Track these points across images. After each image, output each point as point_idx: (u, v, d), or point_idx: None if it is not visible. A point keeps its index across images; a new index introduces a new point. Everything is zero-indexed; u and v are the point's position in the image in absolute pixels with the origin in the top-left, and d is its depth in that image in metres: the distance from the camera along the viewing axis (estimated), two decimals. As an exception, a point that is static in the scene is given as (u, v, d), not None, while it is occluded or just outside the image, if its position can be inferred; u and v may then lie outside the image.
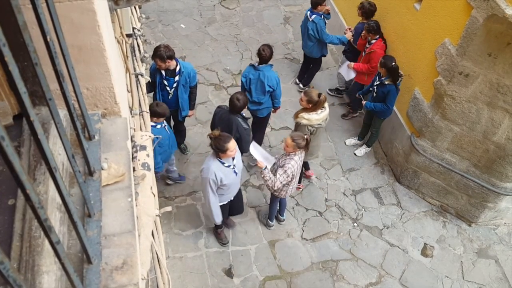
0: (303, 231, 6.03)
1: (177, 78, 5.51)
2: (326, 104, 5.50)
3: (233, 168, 4.68)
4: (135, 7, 3.95)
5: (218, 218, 5.02)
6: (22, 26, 0.82)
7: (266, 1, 9.52)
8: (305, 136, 4.96)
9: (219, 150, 4.41)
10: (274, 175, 5.00)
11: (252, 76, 5.95)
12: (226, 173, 4.60)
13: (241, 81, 6.10)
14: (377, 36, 6.45)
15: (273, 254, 5.76)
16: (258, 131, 6.52)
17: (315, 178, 6.62)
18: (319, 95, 5.36)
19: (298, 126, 5.57)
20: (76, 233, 1.17)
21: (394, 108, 6.62)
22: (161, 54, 5.19)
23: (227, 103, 7.37)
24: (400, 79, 5.93)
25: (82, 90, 1.57)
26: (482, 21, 4.66)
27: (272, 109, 6.32)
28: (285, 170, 4.95)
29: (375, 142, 6.99)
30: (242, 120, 5.36)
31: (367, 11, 6.59)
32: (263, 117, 6.31)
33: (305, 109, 5.47)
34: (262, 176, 5.00)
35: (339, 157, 6.93)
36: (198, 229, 5.91)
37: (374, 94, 6.22)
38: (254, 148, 5.22)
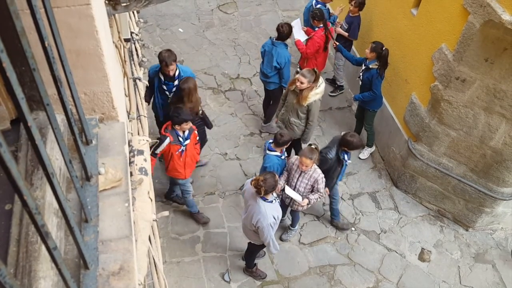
0: (301, 235, 6.03)
1: (176, 82, 5.51)
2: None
3: (277, 199, 4.65)
4: (133, 12, 3.96)
5: (277, 247, 4.90)
6: (20, 32, 0.83)
7: (264, 6, 9.55)
8: (313, 147, 4.97)
9: (272, 189, 4.37)
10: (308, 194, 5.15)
11: (267, 48, 6.31)
12: (277, 209, 4.59)
13: (261, 50, 6.52)
14: (321, 25, 6.63)
15: (271, 259, 5.75)
16: (269, 105, 6.96)
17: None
18: (314, 70, 5.58)
19: (311, 106, 5.66)
20: (73, 239, 1.16)
21: (391, 112, 6.64)
22: (164, 58, 5.22)
23: (225, 107, 7.42)
24: (386, 68, 6.05)
25: (79, 95, 1.57)
26: (478, 27, 4.68)
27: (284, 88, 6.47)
28: (322, 179, 5.03)
29: (374, 139, 6.99)
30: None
31: (362, 2, 6.76)
32: (271, 90, 6.67)
33: (308, 89, 5.55)
34: (309, 205, 5.18)
35: (336, 162, 6.93)
36: (195, 234, 5.90)
37: (360, 82, 6.31)
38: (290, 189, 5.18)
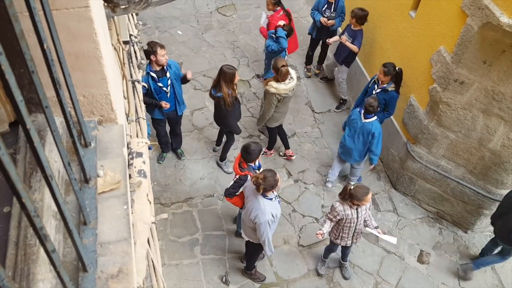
0: (300, 237, 6.02)
1: (168, 74, 5.54)
2: (294, 75, 5.83)
3: (277, 198, 4.63)
4: (132, 14, 3.96)
5: (272, 248, 4.88)
6: (19, 34, 0.82)
7: (263, 8, 9.51)
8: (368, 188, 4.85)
9: (271, 188, 4.35)
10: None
11: None
12: (276, 207, 4.57)
13: None
14: (277, 8, 7.02)
15: (270, 261, 5.74)
16: None
17: (311, 185, 6.62)
18: (283, 65, 5.64)
19: (266, 93, 5.87)
20: (71, 241, 1.16)
21: (390, 115, 6.65)
22: (153, 48, 5.27)
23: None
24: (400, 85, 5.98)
25: (78, 97, 1.57)
26: (477, 29, 4.69)
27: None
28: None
29: None
30: None
31: (361, 17, 6.70)
32: None
33: (275, 78, 5.73)
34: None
35: (335, 164, 6.93)
36: (194, 236, 5.89)
37: None
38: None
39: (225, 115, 5.80)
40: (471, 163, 5.76)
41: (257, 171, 4.95)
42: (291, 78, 5.78)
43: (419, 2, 5.73)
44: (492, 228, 6.29)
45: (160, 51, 5.28)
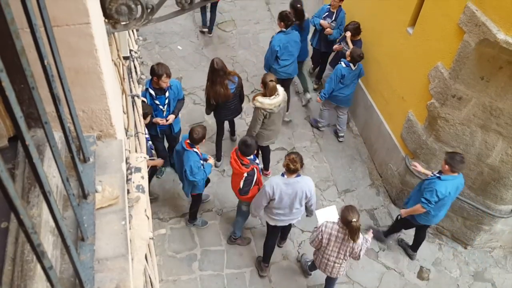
0: (299, 253, 5.98)
1: (167, 94, 5.56)
2: (281, 91, 5.79)
3: None
4: (132, 30, 4.00)
5: None
6: (20, 51, 0.83)
7: (262, 24, 9.65)
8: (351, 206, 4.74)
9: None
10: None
11: (285, 41, 6.88)
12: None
13: (276, 49, 6.94)
14: None
15: (268, 277, 5.69)
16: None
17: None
18: (271, 80, 5.68)
19: (255, 111, 5.91)
20: (69, 257, 1.15)
21: (388, 129, 6.67)
22: (159, 72, 5.31)
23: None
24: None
25: (78, 112, 1.58)
26: (474, 45, 4.73)
27: None
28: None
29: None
30: None
31: (354, 30, 6.93)
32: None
33: (262, 94, 5.78)
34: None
35: (334, 178, 6.93)
36: (192, 251, 5.85)
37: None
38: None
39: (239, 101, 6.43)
40: (470, 179, 5.75)
41: (259, 163, 5.27)
42: (277, 94, 5.70)
43: (417, 19, 5.79)
44: (491, 244, 6.28)
45: (164, 79, 5.35)
